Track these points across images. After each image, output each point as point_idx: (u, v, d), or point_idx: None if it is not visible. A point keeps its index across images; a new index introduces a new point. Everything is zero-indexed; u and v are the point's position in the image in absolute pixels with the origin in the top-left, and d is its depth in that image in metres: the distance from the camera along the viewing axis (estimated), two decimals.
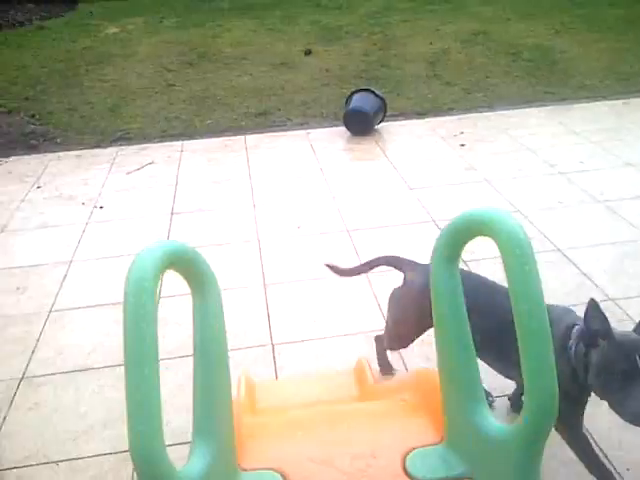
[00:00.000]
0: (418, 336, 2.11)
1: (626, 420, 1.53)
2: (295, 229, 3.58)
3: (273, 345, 2.64)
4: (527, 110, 5.27)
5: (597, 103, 5.34)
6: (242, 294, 3.00)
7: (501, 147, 4.58)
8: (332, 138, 4.93)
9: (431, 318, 1.73)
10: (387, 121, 5.13)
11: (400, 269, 2.17)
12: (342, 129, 4.98)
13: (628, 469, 1.97)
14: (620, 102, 5.33)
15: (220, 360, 1.05)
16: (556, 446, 1.79)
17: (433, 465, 1.02)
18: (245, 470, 1.02)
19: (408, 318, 2.06)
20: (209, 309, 1.03)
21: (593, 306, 1.55)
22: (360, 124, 4.86)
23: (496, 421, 0.97)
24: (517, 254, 0.87)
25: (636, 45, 6.72)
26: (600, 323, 1.54)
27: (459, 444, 1.03)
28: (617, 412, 1.54)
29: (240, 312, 2.86)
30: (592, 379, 1.58)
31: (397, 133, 5.01)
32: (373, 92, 4.92)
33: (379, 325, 2.67)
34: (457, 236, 1.01)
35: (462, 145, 4.63)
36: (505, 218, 0.90)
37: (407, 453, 1.04)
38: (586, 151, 4.42)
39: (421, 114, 5.31)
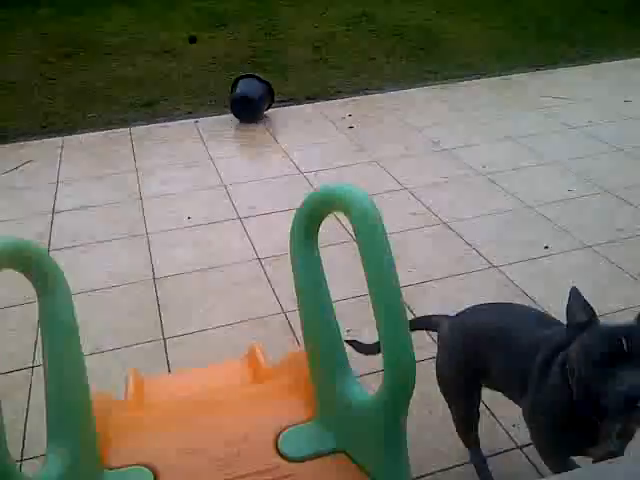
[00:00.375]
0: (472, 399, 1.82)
1: (615, 412, 1.28)
2: (185, 220, 3.51)
3: (165, 339, 2.58)
4: (412, 90, 5.40)
5: (477, 81, 5.55)
6: (131, 290, 2.91)
7: (388, 127, 4.68)
8: (221, 126, 4.87)
9: (478, 366, 1.70)
10: (276, 106, 5.12)
11: (433, 329, 1.98)
12: (231, 117, 4.92)
13: (514, 425, 2.07)
14: (498, 79, 5.56)
15: (73, 360, 1.00)
16: None
17: (305, 442, 1.02)
18: (112, 468, 0.98)
19: (455, 377, 1.82)
20: (56, 307, 0.97)
21: (575, 295, 1.41)
22: (248, 110, 4.81)
23: (362, 392, 0.98)
24: (367, 226, 0.88)
25: (512, 23, 7.02)
26: (586, 314, 1.38)
27: (330, 418, 1.04)
28: (605, 404, 1.28)
29: (129, 308, 2.78)
30: (574, 379, 1.38)
31: (287, 118, 5.00)
32: (257, 77, 4.88)
33: (273, 309, 2.68)
34: (313, 213, 1.01)
35: (351, 127, 4.69)
36: (355, 192, 0.91)
37: (280, 433, 1.04)
38: (468, 127, 4.58)
39: (310, 98, 5.33)
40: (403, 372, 0.88)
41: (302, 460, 1.00)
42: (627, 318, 2.49)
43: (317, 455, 1.00)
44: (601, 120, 4.54)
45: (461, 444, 1.94)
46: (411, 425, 2.05)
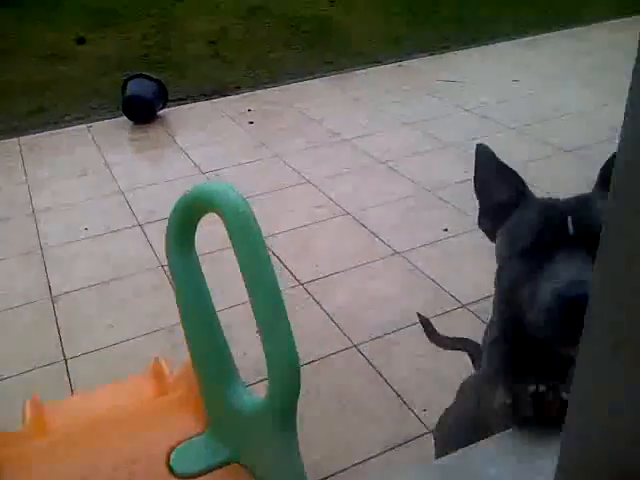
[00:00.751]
0: None
1: (553, 317, 0.85)
2: (82, 231, 3.39)
3: (66, 360, 2.48)
4: (310, 82, 5.42)
5: (374, 68, 5.64)
6: (27, 311, 2.79)
7: (288, 121, 4.68)
8: (115, 130, 4.73)
9: None
10: (173, 105, 5.02)
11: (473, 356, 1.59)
12: (125, 119, 4.79)
13: (425, 410, 2.13)
14: (395, 65, 5.67)
15: None
16: None
17: (198, 456, 1.01)
18: None
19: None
20: None
21: (484, 155, 1.07)
22: (141, 111, 4.70)
23: (251, 399, 0.98)
24: (240, 226, 0.88)
25: (405, 10, 7.17)
26: (509, 186, 1.04)
27: (221, 428, 1.03)
28: (532, 325, 0.89)
29: (27, 331, 2.66)
30: (497, 283, 1.01)
31: (185, 117, 4.92)
32: (148, 77, 4.77)
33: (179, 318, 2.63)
34: (185, 217, 0.99)
35: (251, 123, 4.67)
36: (226, 191, 0.90)
37: (171, 450, 1.02)
38: (367, 116, 4.65)
39: (207, 95, 5.26)
40: (286, 374, 0.88)
41: (195, 476, 0.98)
42: None
43: (210, 469, 0.99)
44: (492, 101, 4.71)
45: (377, 436, 1.98)
46: (323, 421, 2.09)
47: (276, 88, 5.32)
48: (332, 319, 2.59)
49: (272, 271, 0.89)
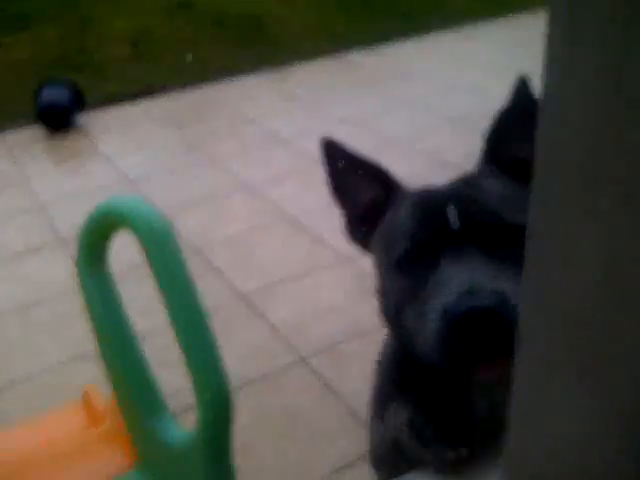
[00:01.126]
0: None
1: (441, 354, 0.70)
2: None
3: None
4: (243, 79, 5.37)
5: (311, 64, 5.62)
6: None
7: (221, 122, 4.61)
8: (32, 139, 4.57)
9: None
10: (94, 110, 4.89)
11: None
12: (41, 128, 4.63)
13: None
14: (332, 61, 5.67)
15: None
16: None
17: None
18: None
19: None
20: None
21: (329, 147, 0.96)
22: (57, 118, 4.54)
23: (180, 430, 0.92)
24: (155, 243, 0.82)
25: (339, 3, 7.19)
26: (373, 181, 0.91)
27: (151, 465, 0.97)
28: (425, 348, 0.72)
29: None
30: (379, 301, 0.86)
31: (108, 122, 4.79)
32: (62, 81, 4.62)
33: None
34: (95, 235, 0.93)
35: (179, 128, 4.58)
36: (137, 205, 0.84)
37: None
38: (305, 114, 4.63)
39: (132, 98, 5.14)
40: (215, 401, 0.83)
41: None
42: None
43: None
44: (435, 94, 4.75)
45: (332, 453, 1.95)
46: (273, 444, 2.04)
47: (207, 88, 5.24)
48: (277, 331, 2.54)
49: (193, 292, 0.83)
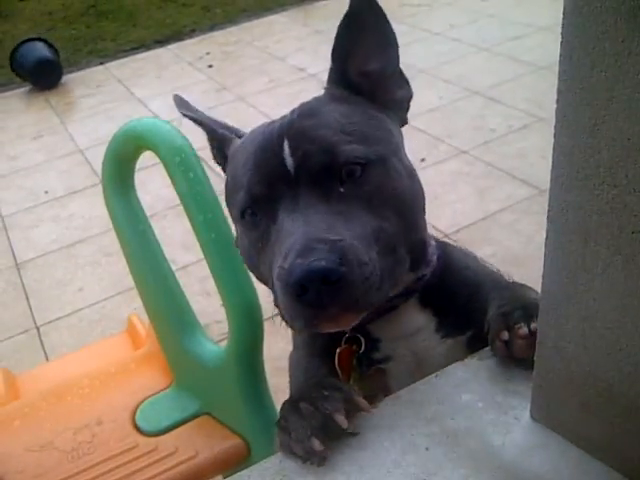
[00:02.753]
0: None
1: (287, 314, 0.66)
2: (42, 195, 3.28)
3: (38, 327, 2.42)
4: (269, 18, 5.24)
5: None
6: None
7: (249, 61, 4.52)
8: (67, 88, 4.55)
9: None
10: (127, 55, 4.84)
11: None
12: (77, 75, 4.61)
13: None
14: None
15: None
16: None
17: (164, 412, 0.96)
18: None
19: None
20: None
21: (179, 104, 0.90)
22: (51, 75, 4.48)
23: (214, 347, 0.92)
24: (177, 162, 0.80)
25: None
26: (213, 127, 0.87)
27: (187, 381, 0.98)
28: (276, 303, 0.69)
29: None
30: None
31: (140, 67, 4.74)
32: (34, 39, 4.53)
33: None
34: (120, 154, 0.91)
35: (210, 66, 4.51)
36: (159, 127, 0.82)
37: (136, 408, 0.97)
38: (330, 48, 4.50)
39: (162, 41, 5.07)
40: (246, 317, 0.82)
41: (163, 432, 0.94)
42: (510, 217, 2.57)
43: (178, 423, 0.94)
44: (462, 22, 4.58)
45: None
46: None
47: (234, 28, 5.13)
48: None
49: (220, 208, 0.80)
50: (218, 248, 0.81)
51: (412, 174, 0.72)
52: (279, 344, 2.24)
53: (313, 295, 0.57)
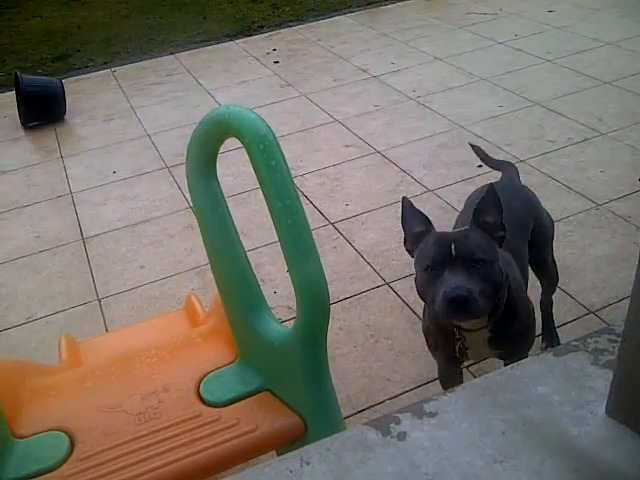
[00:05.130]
0: None
1: (441, 314, 1.28)
2: (111, 175, 3.37)
3: (99, 300, 2.49)
4: (336, 19, 5.26)
5: (402, 3, 5.44)
6: (60, 253, 2.80)
7: (314, 59, 4.55)
8: (139, 73, 4.66)
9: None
10: (197, 47, 4.92)
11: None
12: (149, 62, 4.70)
13: None
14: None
15: None
16: None
17: (228, 385, 0.98)
18: (23, 437, 0.93)
19: None
20: None
21: (407, 205, 1.43)
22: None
23: (280, 327, 0.94)
24: (261, 150, 0.82)
25: None
26: (421, 223, 1.41)
27: (251, 358, 1.00)
28: (434, 312, 1.31)
29: (60, 272, 2.67)
30: (416, 285, 1.39)
31: (208, 59, 4.82)
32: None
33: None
34: (206, 140, 0.93)
35: (276, 62, 4.55)
36: (245, 114, 0.84)
37: (201, 379, 1.00)
38: (396, 51, 4.50)
39: (231, 36, 5.14)
40: (315, 301, 0.84)
41: (226, 404, 0.96)
42: (565, 228, 2.54)
43: (241, 397, 0.97)
44: (527, 33, 4.51)
45: (412, 370, 1.96)
46: (357, 356, 2.07)
47: (301, 26, 5.17)
48: (363, 257, 2.55)
49: (297, 196, 0.83)
50: (294, 233, 0.83)
51: (503, 271, 1.36)
52: (329, 335, 2.25)
53: (457, 304, 1.22)
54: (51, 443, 0.92)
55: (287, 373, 0.94)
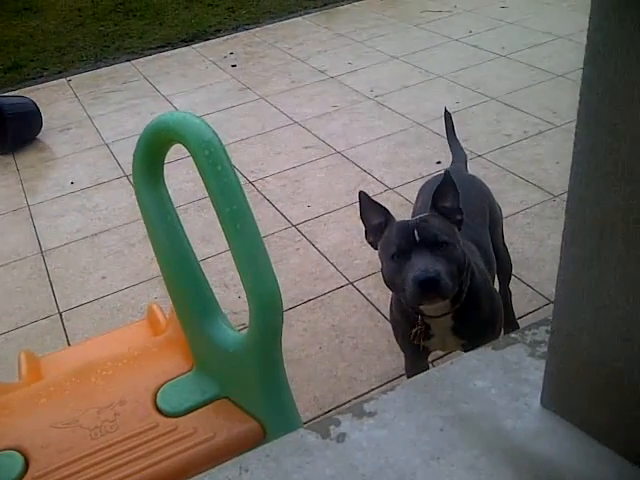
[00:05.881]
0: None
1: (409, 297, 1.31)
2: (68, 185, 3.32)
3: (61, 313, 2.45)
4: (293, 20, 5.26)
5: (358, 3, 5.46)
6: (18, 267, 2.75)
7: (272, 62, 4.55)
8: (95, 82, 4.60)
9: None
10: (153, 53, 4.88)
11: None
12: (106, 70, 4.65)
13: None
14: None
15: None
16: None
17: (185, 394, 0.98)
18: None
19: None
20: None
21: (365, 198, 1.44)
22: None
23: (234, 334, 0.94)
24: (207, 155, 0.81)
25: None
26: (380, 214, 1.43)
27: (207, 366, 1.00)
28: (404, 298, 1.35)
29: (19, 287, 2.62)
30: (383, 276, 1.42)
31: (165, 65, 4.78)
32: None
33: None
34: (151, 147, 0.92)
35: (233, 66, 4.53)
36: (189, 120, 0.84)
37: (158, 390, 0.99)
38: (353, 51, 4.52)
39: (187, 41, 5.10)
40: (267, 305, 0.83)
41: (183, 413, 0.95)
42: (523, 220, 2.57)
43: (198, 406, 0.96)
44: (481, 29, 4.57)
45: (377, 369, 1.97)
46: (323, 357, 2.07)
47: (258, 29, 5.16)
48: (327, 258, 2.55)
49: (245, 201, 0.83)
50: (243, 238, 0.82)
51: (464, 253, 1.40)
52: (294, 337, 2.25)
53: (427, 286, 1.26)
54: (4, 463, 0.90)
55: (243, 379, 0.94)
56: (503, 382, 0.60)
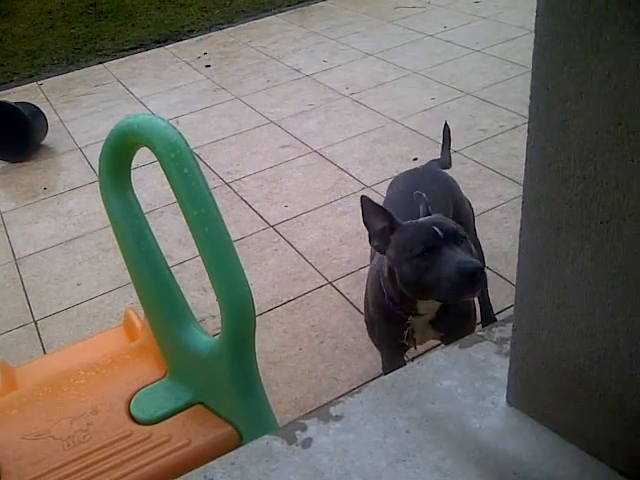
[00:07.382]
0: None
1: (452, 291, 1.30)
2: (41, 191, 3.28)
3: (36, 322, 2.43)
4: (267, 19, 5.25)
5: (331, 0, 5.46)
6: None
7: (246, 61, 4.53)
8: (66, 85, 4.55)
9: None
10: (126, 55, 4.84)
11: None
12: (76, 74, 4.60)
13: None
14: None
15: None
16: None
17: (159, 401, 0.97)
18: None
19: None
20: None
21: (367, 203, 1.41)
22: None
23: (207, 339, 0.93)
24: (173, 158, 0.81)
25: None
26: (384, 218, 1.41)
27: (181, 372, 0.99)
28: (439, 294, 1.33)
29: None
30: (400, 277, 1.39)
31: (138, 66, 4.74)
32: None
33: None
34: (117, 150, 0.92)
35: (208, 66, 4.51)
36: (155, 123, 0.83)
37: (131, 398, 0.98)
38: (327, 49, 4.52)
39: (160, 42, 5.07)
40: (238, 309, 0.83)
41: (157, 421, 0.95)
42: (500, 215, 2.59)
43: (172, 413, 0.95)
44: (455, 24, 4.59)
45: (358, 368, 1.97)
46: (303, 358, 2.07)
47: (232, 28, 5.14)
48: (305, 258, 2.55)
49: (214, 203, 0.82)
50: (212, 242, 0.82)
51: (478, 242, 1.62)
52: (273, 339, 2.24)
53: (474, 277, 1.25)
54: None
55: (217, 384, 0.93)
56: (470, 381, 0.60)
